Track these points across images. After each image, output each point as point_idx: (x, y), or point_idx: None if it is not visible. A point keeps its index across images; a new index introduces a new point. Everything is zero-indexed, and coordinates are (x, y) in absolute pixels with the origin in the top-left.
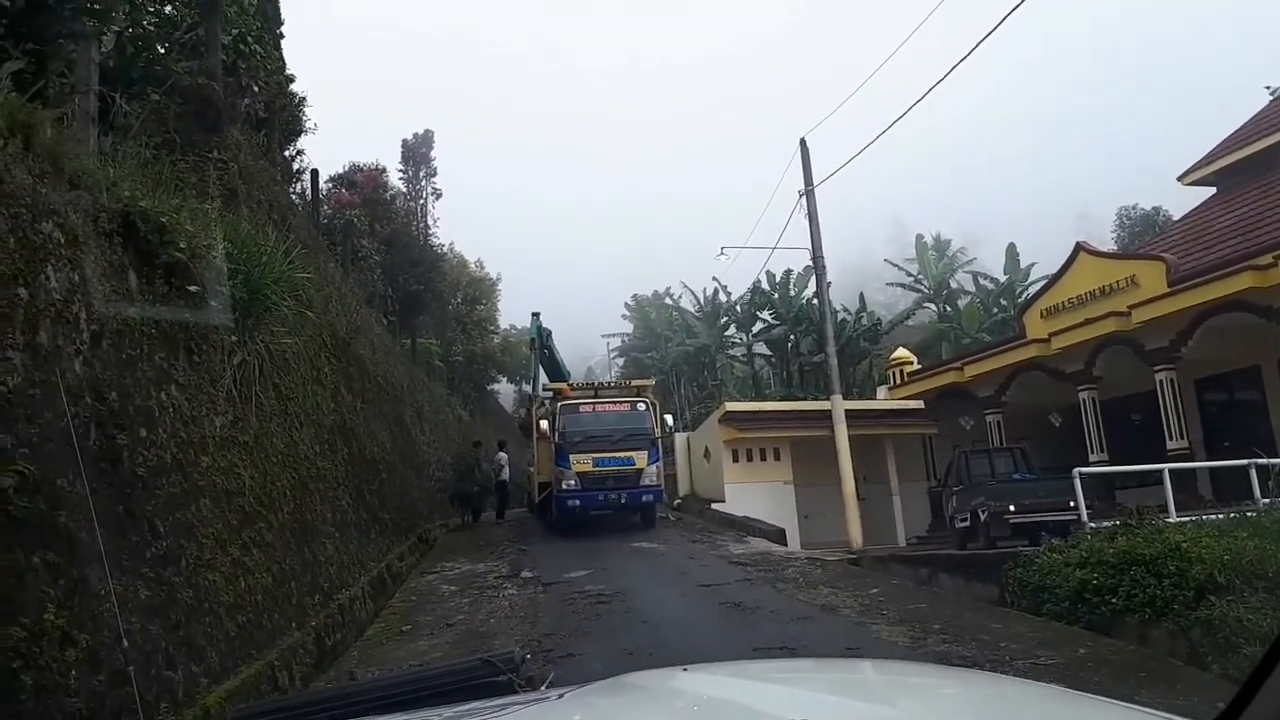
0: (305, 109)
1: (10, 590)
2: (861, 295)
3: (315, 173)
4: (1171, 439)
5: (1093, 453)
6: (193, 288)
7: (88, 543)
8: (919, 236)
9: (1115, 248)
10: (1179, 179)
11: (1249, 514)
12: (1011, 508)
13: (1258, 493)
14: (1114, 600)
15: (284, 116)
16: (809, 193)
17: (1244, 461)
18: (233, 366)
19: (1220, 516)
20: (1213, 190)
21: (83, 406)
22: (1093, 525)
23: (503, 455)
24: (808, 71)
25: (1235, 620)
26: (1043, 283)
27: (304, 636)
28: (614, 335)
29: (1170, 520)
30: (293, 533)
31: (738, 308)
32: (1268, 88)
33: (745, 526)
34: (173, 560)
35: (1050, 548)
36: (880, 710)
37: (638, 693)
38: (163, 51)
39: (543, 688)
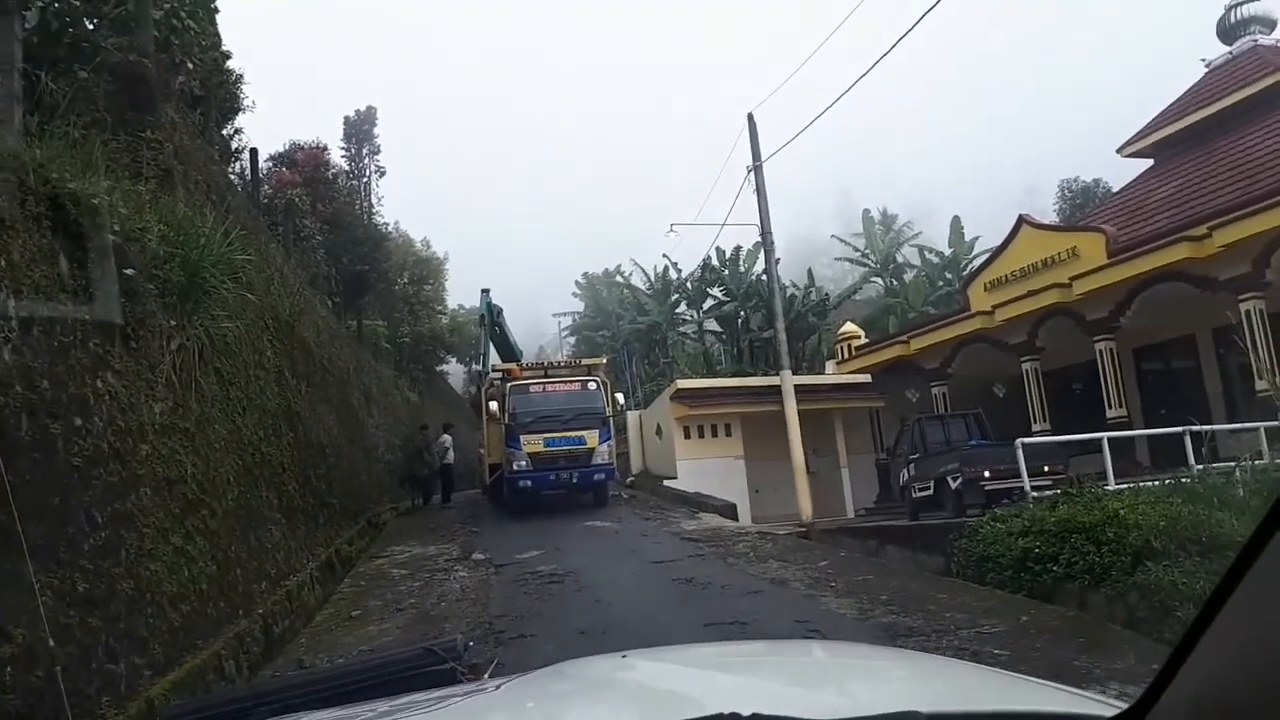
0: (243, 86)
1: None
2: (810, 271)
3: (254, 152)
4: (1111, 408)
5: (1035, 422)
6: (128, 271)
7: (21, 535)
8: (866, 211)
9: (1057, 220)
10: (1118, 151)
11: (1184, 480)
12: (987, 473)
13: (1191, 459)
14: (1055, 568)
15: (221, 94)
16: (757, 168)
17: (1179, 429)
18: (171, 352)
19: (1157, 483)
20: (1150, 162)
21: (13, 395)
22: (1035, 495)
23: (447, 438)
24: (757, 44)
25: (1170, 584)
26: (987, 256)
27: (251, 624)
28: (565, 314)
29: (1109, 488)
30: (238, 520)
31: (688, 285)
32: (1203, 60)
33: (697, 503)
34: (112, 551)
35: (993, 517)
36: (830, 698)
37: (577, 682)
38: (90, 27)
39: (485, 675)
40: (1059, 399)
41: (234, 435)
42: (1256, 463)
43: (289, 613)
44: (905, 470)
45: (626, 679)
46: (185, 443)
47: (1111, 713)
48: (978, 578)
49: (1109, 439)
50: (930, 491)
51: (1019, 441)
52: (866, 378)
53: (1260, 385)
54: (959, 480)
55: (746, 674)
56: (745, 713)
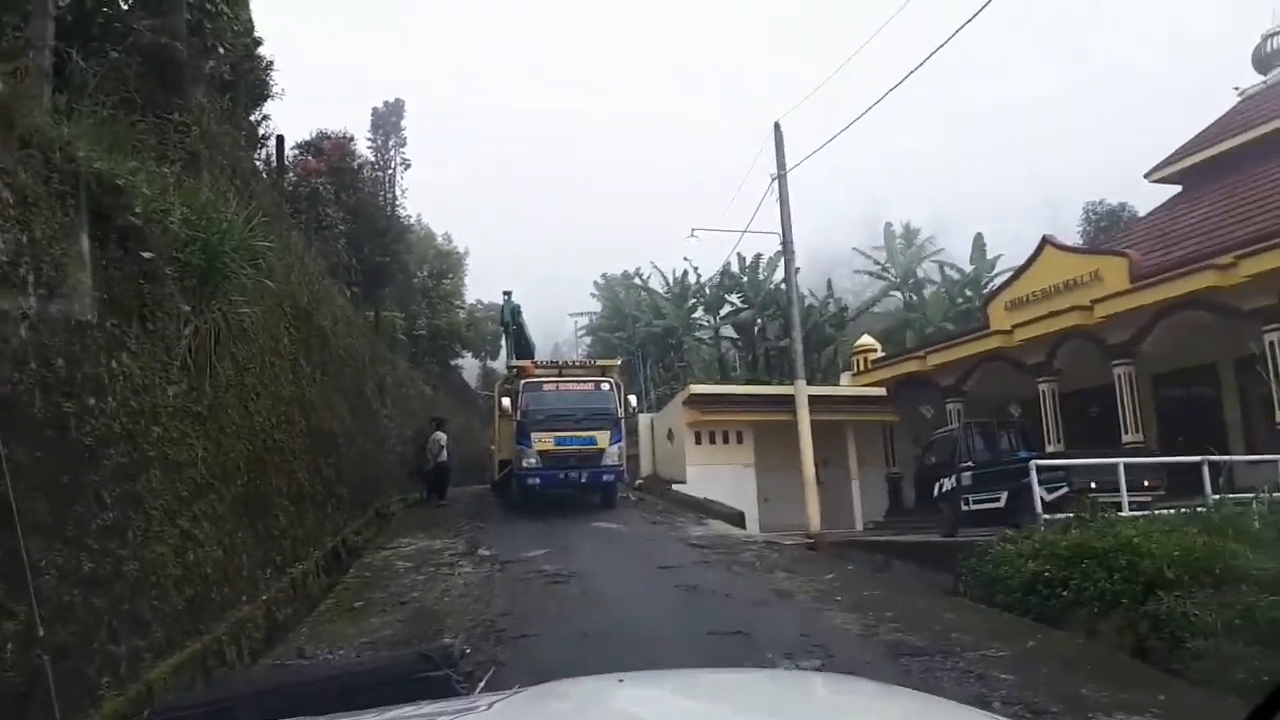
0: (273, 73)
1: None
2: (829, 281)
3: (281, 139)
4: (1127, 433)
5: (1050, 444)
6: (148, 253)
7: (29, 513)
8: (887, 225)
9: (1081, 242)
10: (1146, 176)
11: (1199, 510)
12: (1093, 484)
13: (1208, 489)
14: (1065, 593)
15: (250, 80)
16: (781, 177)
17: (1198, 458)
18: (188, 335)
19: (1171, 512)
20: (1178, 189)
21: (27, 372)
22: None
23: (440, 435)
24: (788, 55)
25: (1182, 616)
26: (1008, 274)
27: (254, 611)
28: (582, 314)
29: (1123, 514)
30: (246, 505)
31: (706, 290)
32: (1236, 88)
33: (705, 509)
34: (119, 532)
35: (1003, 538)
36: None
37: (567, 704)
38: (124, 7)
39: (479, 686)
40: (1074, 421)
41: (246, 421)
42: (1275, 495)
43: (292, 600)
44: (949, 480)
45: (618, 706)
46: (197, 427)
47: None
48: (986, 598)
49: (1124, 464)
50: (1000, 504)
51: (1031, 462)
52: (881, 391)
53: None
54: (1061, 491)
55: (738, 707)
56: None
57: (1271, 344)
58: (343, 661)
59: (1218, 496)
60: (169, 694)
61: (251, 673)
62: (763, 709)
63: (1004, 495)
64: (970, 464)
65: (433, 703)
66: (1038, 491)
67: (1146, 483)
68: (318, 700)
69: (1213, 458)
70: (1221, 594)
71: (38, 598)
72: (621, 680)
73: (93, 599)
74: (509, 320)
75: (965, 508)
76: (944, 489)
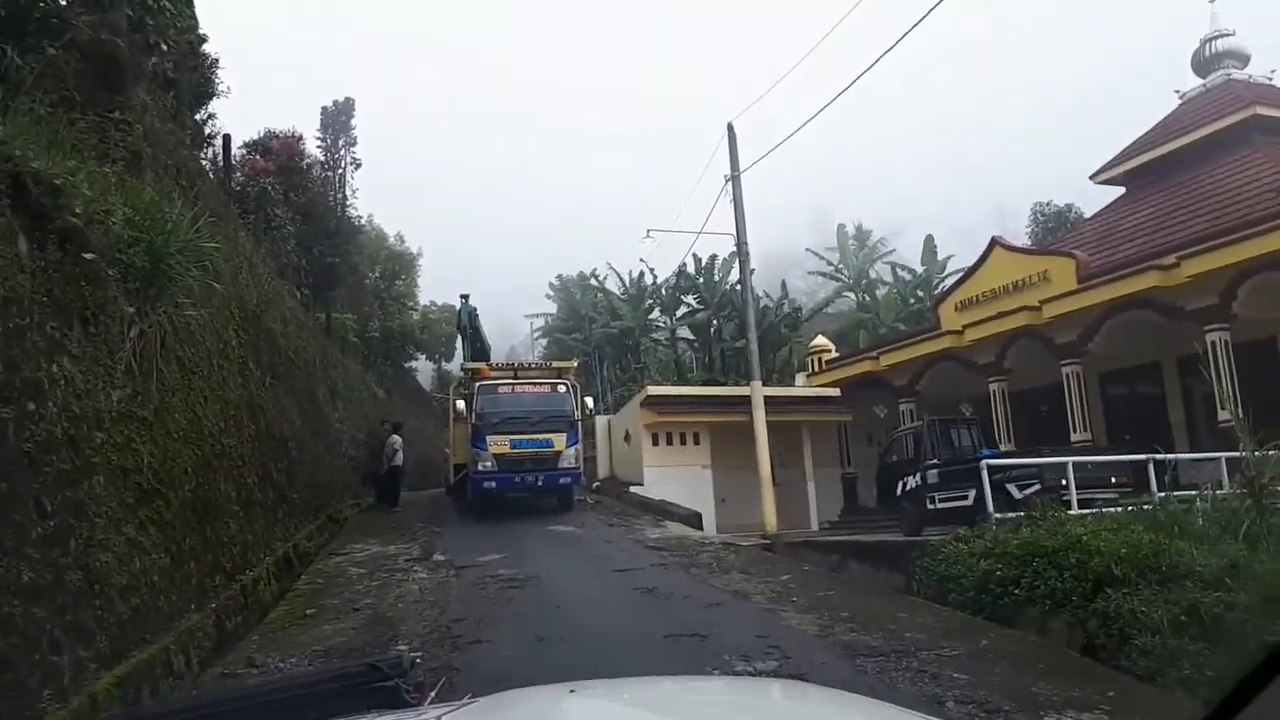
0: (218, 71)
1: None
2: (784, 282)
3: (228, 138)
4: (1076, 431)
5: (1001, 442)
6: (89, 255)
7: None
8: (840, 226)
9: (1030, 243)
10: (1091, 178)
11: (1146, 507)
12: (1064, 481)
13: (1154, 486)
14: (1017, 591)
15: (195, 78)
16: (735, 178)
17: (1144, 456)
18: (132, 338)
19: (1118, 510)
20: (1122, 190)
21: None
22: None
23: (396, 439)
24: (740, 56)
25: (1129, 612)
26: (959, 275)
27: (203, 619)
28: (538, 315)
29: (1072, 513)
30: (194, 511)
31: (663, 291)
32: (1177, 92)
33: (663, 510)
34: (60, 540)
35: (956, 537)
36: None
37: (518, 716)
38: (62, 2)
39: (430, 697)
40: (1025, 420)
41: (194, 425)
42: (1217, 492)
43: (243, 608)
44: (913, 478)
45: (570, 716)
46: (143, 431)
47: None
48: (939, 597)
49: (1074, 463)
50: (968, 501)
51: (982, 463)
52: (836, 391)
53: (1222, 415)
54: (1031, 489)
55: (689, 717)
56: None
57: (1213, 343)
58: (289, 672)
59: (1163, 494)
60: (114, 705)
61: (199, 685)
62: (715, 716)
63: (971, 493)
64: (935, 461)
65: (381, 713)
66: (1009, 489)
67: (1114, 479)
68: (263, 713)
69: (1159, 455)
70: (1167, 591)
71: None
72: (573, 690)
73: (33, 609)
74: (466, 324)
75: (930, 506)
76: (907, 487)
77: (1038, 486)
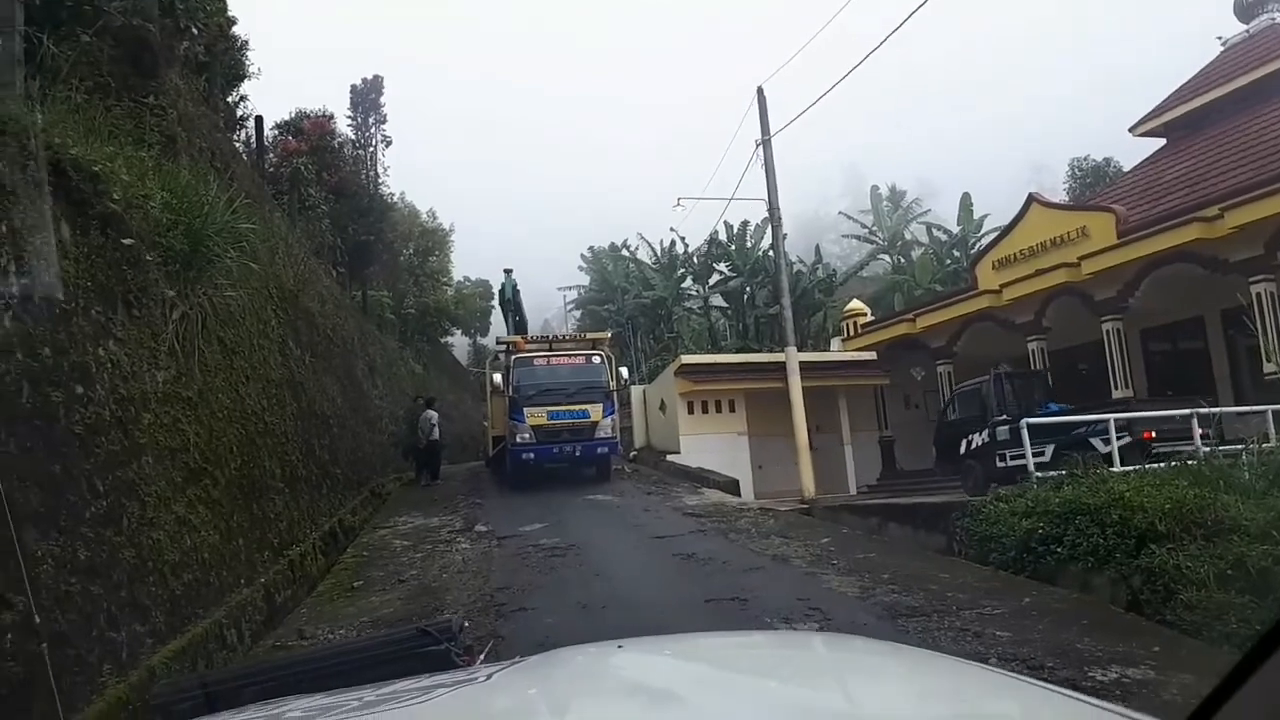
0: (248, 53)
1: None
2: (817, 247)
3: (260, 119)
4: (1117, 388)
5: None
6: (129, 240)
7: (22, 504)
8: (874, 188)
9: (1067, 199)
10: (1130, 130)
11: (1189, 462)
12: (1154, 434)
13: (1198, 441)
14: (1059, 549)
15: (226, 61)
16: (765, 142)
17: (1187, 411)
18: (174, 320)
19: (1162, 465)
20: (1163, 141)
21: (13, 363)
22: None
23: (431, 413)
24: (768, 18)
25: (1174, 568)
26: (995, 234)
27: (253, 593)
28: (571, 288)
29: (1114, 470)
30: (240, 489)
31: (694, 259)
32: (1219, 38)
33: (700, 478)
34: (114, 519)
35: (997, 497)
36: (822, 698)
37: (566, 673)
38: None
39: (480, 658)
40: (1065, 378)
41: (237, 404)
42: (1263, 445)
43: (291, 582)
44: (978, 436)
45: (618, 671)
46: (188, 411)
47: None
48: (980, 558)
49: (1114, 419)
50: (1045, 457)
51: (1024, 421)
52: (872, 355)
53: (1269, 368)
54: (1123, 440)
55: (740, 669)
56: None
57: (1258, 295)
58: (341, 640)
59: (1208, 448)
60: (170, 679)
61: (251, 657)
62: (761, 669)
63: (1049, 448)
64: (1005, 417)
65: (433, 675)
66: (1094, 443)
67: (1201, 431)
68: (317, 678)
69: (1203, 409)
70: (1213, 545)
71: (35, 587)
72: (620, 646)
73: (90, 587)
74: (510, 297)
75: (1000, 464)
76: (973, 445)
77: (1127, 439)
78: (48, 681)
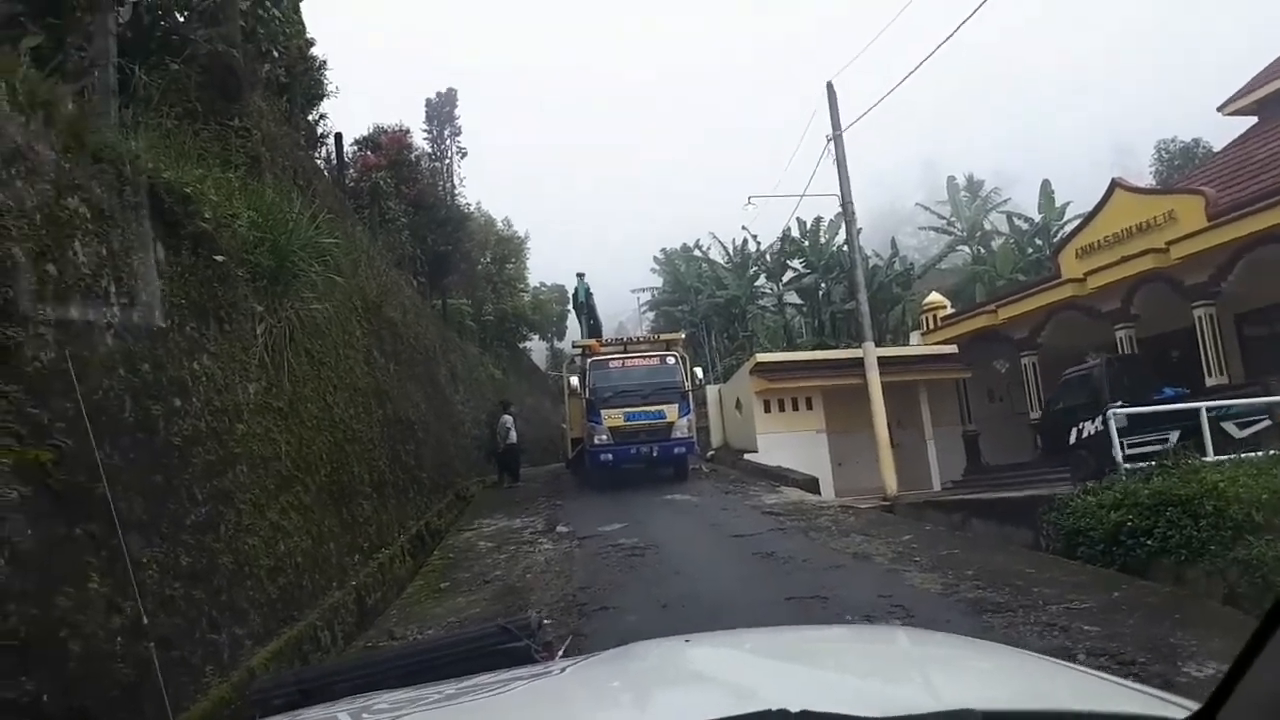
0: (326, 72)
1: (55, 562)
2: (893, 240)
3: (339, 136)
4: (1210, 375)
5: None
6: (219, 257)
7: (127, 512)
8: (950, 178)
9: (1154, 183)
10: (1219, 109)
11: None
12: None
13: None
14: (1149, 542)
15: (305, 81)
16: (837, 137)
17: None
18: (263, 334)
19: (1259, 455)
20: (1254, 120)
21: (116, 378)
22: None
23: (507, 418)
24: (837, 11)
25: (1274, 559)
26: (1078, 221)
27: (345, 596)
28: (643, 290)
29: (1207, 460)
30: (330, 495)
31: (767, 257)
32: None
33: (778, 476)
34: (212, 526)
35: (1085, 490)
36: (894, 691)
37: (638, 667)
38: (180, 19)
39: (559, 654)
40: (1155, 367)
41: (325, 413)
42: None
43: (381, 584)
44: (1090, 424)
45: (689, 666)
46: (279, 421)
47: (1183, 714)
48: (1067, 552)
49: (1206, 408)
50: (1170, 443)
51: (1109, 410)
52: (952, 348)
53: None
54: (1261, 424)
55: (810, 663)
56: (797, 708)
57: None
58: (428, 638)
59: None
60: (268, 675)
61: (344, 657)
62: (830, 662)
63: (1173, 434)
64: (1122, 403)
65: (511, 670)
66: (1227, 427)
67: None
68: (404, 674)
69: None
70: None
71: (141, 592)
72: (688, 641)
73: (192, 591)
74: (583, 300)
75: (1121, 452)
76: (1084, 433)
77: (1266, 423)
78: (156, 682)
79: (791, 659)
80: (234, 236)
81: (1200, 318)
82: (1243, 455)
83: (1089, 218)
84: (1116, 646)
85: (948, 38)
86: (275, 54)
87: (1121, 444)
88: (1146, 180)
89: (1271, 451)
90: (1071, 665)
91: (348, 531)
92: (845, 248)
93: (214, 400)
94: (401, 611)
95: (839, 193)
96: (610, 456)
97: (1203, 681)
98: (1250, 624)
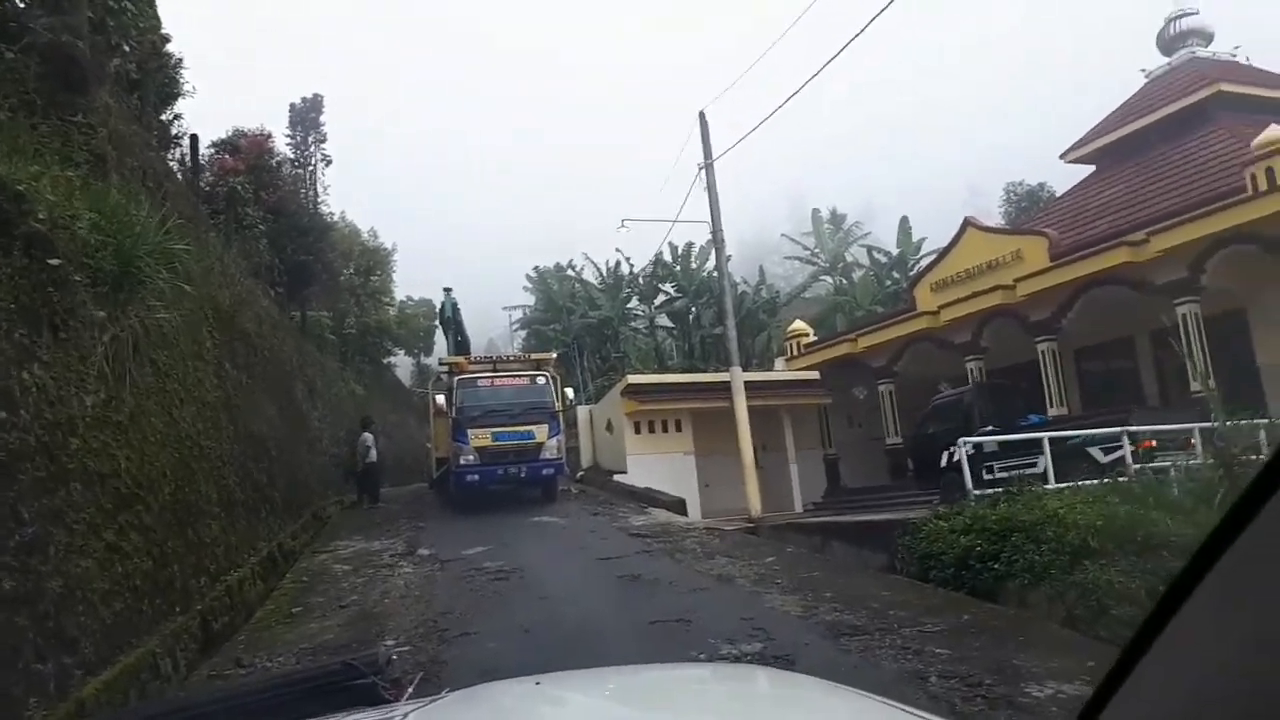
0: (182, 71)
1: None
2: (761, 268)
3: (195, 138)
4: (1052, 406)
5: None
6: (55, 260)
7: None
8: (815, 211)
9: (1003, 223)
10: (1061, 157)
11: (1121, 480)
12: (1154, 442)
13: (1129, 459)
14: (996, 566)
15: (159, 79)
16: (708, 166)
17: (1118, 429)
18: (104, 343)
19: (1095, 482)
20: (1092, 168)
21: None
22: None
23: (368, 435)
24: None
25: (1107, 583)
26: (933, 256)
27: (188, 621)
28: (516, 307)
29: (1049, 487)
30: (175, 514)
31: (640, 280)
32: (1143, 70)
33: (647, 498)
34: (39, 548)
35: (936, 515)
36: None
37: (485, 711)
38: (20, 5)
39: (407, 693)
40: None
41: (171, 428)
42: (1191, 463)
43: (229, 609)
44: (957, 449)
45: (538, 709)
46: (118, 436)
47: None
48: (921, 575)
49: (1049, 438)
50: (1037, 469)
51: (961, 440)
52: (815, 375)
53: (1195, 387)
54: (1118, 453)
55: (665, 707)
56: None
57: (1184, 316)
58: (265, 674)
59: (1138, 466)
60: (101, 710)
61: (187, 686)
62: (688, 706)
63: (1039, 460)
64: (991, 428)
65: (352, 712)
66: (1092, 452)
67: (1190, 441)
68: (239, 716)
69: (1132, 428)
70: (1144, 561)
71: None
72: (539, 683)
73: (15, 618)
74: (450, 316)
75: (987, 476)
76: (954, 458)
77: (1129, 449)
78: None
79: (646, 704)
80: (73, 239)
81: (1043, 352)
82: (1080, 483)
83: (943, 254)
84: (966, 669)
85: (812, 77)
86: (126, 48)
87: (992, 467)
88: (996, 220)
89: (1107, 480)
90: (916, 712)
91: (193, 553)
92: (715, 274)
93: (45, 413)
94: (250, 637)
95: (710, 220)
96: (476, 477)
97: (1043, 701)
98: (1086, 645)
